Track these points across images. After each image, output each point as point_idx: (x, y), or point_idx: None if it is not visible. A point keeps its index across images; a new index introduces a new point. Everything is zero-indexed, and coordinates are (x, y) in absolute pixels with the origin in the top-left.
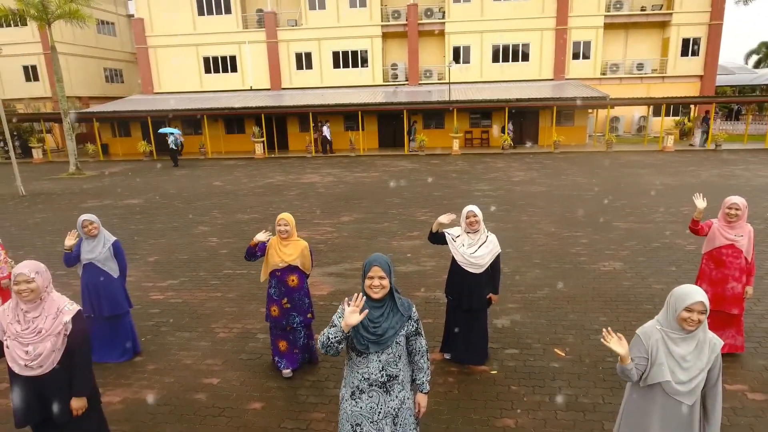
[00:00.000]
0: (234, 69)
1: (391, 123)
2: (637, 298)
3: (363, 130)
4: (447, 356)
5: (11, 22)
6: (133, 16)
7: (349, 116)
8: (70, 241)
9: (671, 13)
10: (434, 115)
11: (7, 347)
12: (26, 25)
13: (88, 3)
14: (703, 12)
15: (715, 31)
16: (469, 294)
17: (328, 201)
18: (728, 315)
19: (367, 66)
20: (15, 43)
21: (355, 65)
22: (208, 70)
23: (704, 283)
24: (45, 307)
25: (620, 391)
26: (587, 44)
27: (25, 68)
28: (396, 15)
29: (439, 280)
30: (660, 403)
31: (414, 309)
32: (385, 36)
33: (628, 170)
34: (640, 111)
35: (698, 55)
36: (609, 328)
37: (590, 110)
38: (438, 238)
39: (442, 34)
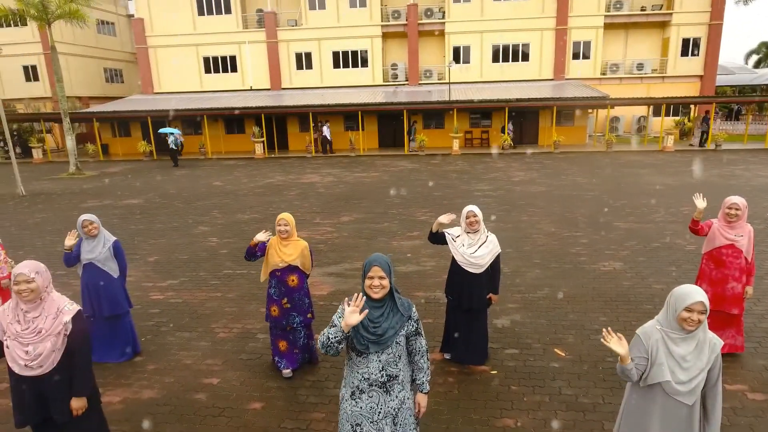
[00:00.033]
0: (234, 69)
1: (391, 123)
2: (637, 298)
3: (363, 130)
4: (447, 356)
5: (11, 22)
6: (133, 16)
7: (349, 116)
8: (70, 241)
9: (671, 13)
10: (434, 115)
11: (7, 347)
12: (26, 25)
13: (88, 3)
14: (703, 12)
15: (715, 31)
16: (469, 294)
17: (328, 201)
18: (728, 315)
19: (367, 66)
20: (15, 43)
21: (355, 65)
22: (208, 70)
23: (704, 283)
24: (45, 307)
25: (620, 391)
26: (587, 44)
27: (25, 68)
28: (396, 15)
29: (439, 280)
30: (660, 403)
31: (414, 309)
32: (385, 36)
33: (628, 170)
34: (640, 111)
35: (698, 55)
36: (609, 328)
37: (590, 110)
38: (438, 238)
39: (442, 34)
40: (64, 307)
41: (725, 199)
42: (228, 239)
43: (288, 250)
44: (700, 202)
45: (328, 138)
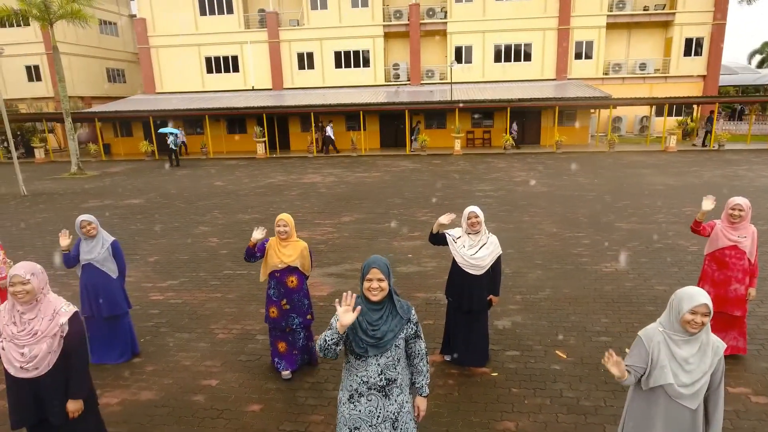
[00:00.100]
0: (236, 69)
1: (392, 123)
2: (639, 300)
3: (365, 130)
4: (447, 358)
5: (14, 22)
6: (135, 16)
7: (351, 116)
8: (64, 241)
9: (674, 13)
10: (436, 115)
11: (3, 349)
12: (29, 25)
13: (90, 3)
14: (707, 12)
15: (718, 30)
16: (469, 295)
17: (329, 201)
18: (731, 317)
19: (368, 66)
20: (17, 43)
21: (356, 65)
22: (210, 70)
23: (707, 284)
24: (41, 308)
25: (622, 394)
26: (590, 44)
27: (28, 68)
28: (398, 15)
29: (439, 281)
30: (663, 406)
31: (413, 312)
32: (387, 36)
33: (631, 170)
34: (642, 111)
35: (701, 55)
36: (611, 350)
37: (592, 110)
38: (438, 239)
39: (444, 33)
40: (60, 309)
41: (729, 200)
42: (228, 239)
43: (287, 250)
44: (707, 204)
45: (332, 137)
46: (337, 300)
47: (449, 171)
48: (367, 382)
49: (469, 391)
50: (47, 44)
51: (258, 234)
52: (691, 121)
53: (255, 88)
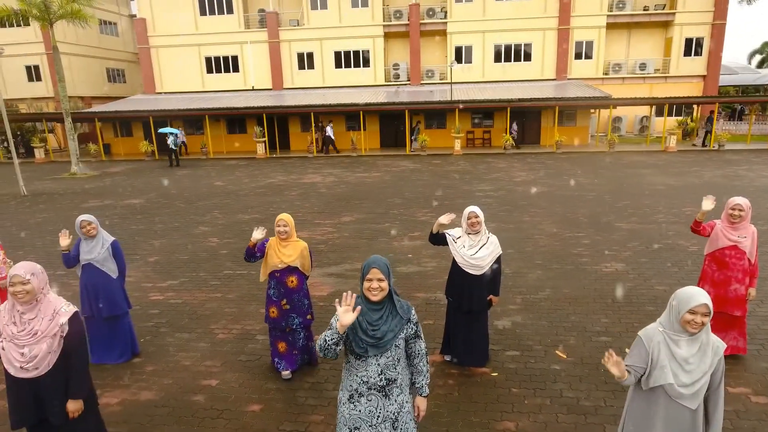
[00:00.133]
0: (236, 69)
1: (392, 123)
2: (639, 300)
3: (365, 130)
4: (447, 358)
5: (14, 22)
6: (135, 16)
7: (351, 116)
8: (64, 241)
9: (674, 13)
10: (436, 115)
11: (3, 349)
12: (29, 25)
13: (90, 3)
14: (707, 12)
15: (718, 30)
16: (469, 295)
17: (329, 201)
18: (731, 317)
19: (368, 66)
20: (17, 43)
21: (356, 65)
22: (210, 70)
23: (707, 284)
24: (41, 308)
25: (622, 394)
26: (590, 44)
27: (28, 68)
28: (398, 15)
29: (439, 281)
30: (663, 405)
31: (413, 312)
32: (387, 36)
33: (631, 170)
34: (642, 111)
35: (701, 55)
36: (611, 350)
37: (592, 110)
38: (438, 239)
39: (444, 33)
40: (60, 309)
41: (729, 200)
42: (228, 239)
43: (287, 250)
44: (707, 204)
45: (332, 137)
46: (337, 300)
47: (449, 171)
48: (367, 382)
49: (469, 391)
50: (47, 44)
51: (258, 234)
52: (691, 121)
53: (255, 88)
